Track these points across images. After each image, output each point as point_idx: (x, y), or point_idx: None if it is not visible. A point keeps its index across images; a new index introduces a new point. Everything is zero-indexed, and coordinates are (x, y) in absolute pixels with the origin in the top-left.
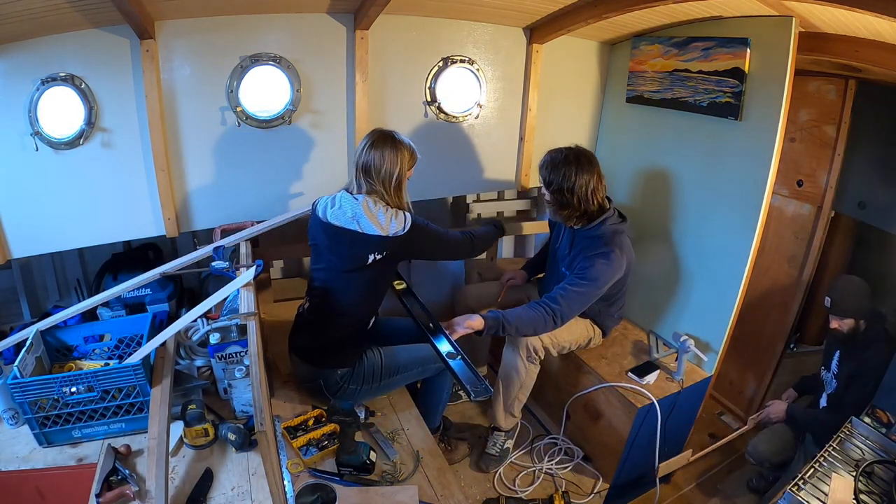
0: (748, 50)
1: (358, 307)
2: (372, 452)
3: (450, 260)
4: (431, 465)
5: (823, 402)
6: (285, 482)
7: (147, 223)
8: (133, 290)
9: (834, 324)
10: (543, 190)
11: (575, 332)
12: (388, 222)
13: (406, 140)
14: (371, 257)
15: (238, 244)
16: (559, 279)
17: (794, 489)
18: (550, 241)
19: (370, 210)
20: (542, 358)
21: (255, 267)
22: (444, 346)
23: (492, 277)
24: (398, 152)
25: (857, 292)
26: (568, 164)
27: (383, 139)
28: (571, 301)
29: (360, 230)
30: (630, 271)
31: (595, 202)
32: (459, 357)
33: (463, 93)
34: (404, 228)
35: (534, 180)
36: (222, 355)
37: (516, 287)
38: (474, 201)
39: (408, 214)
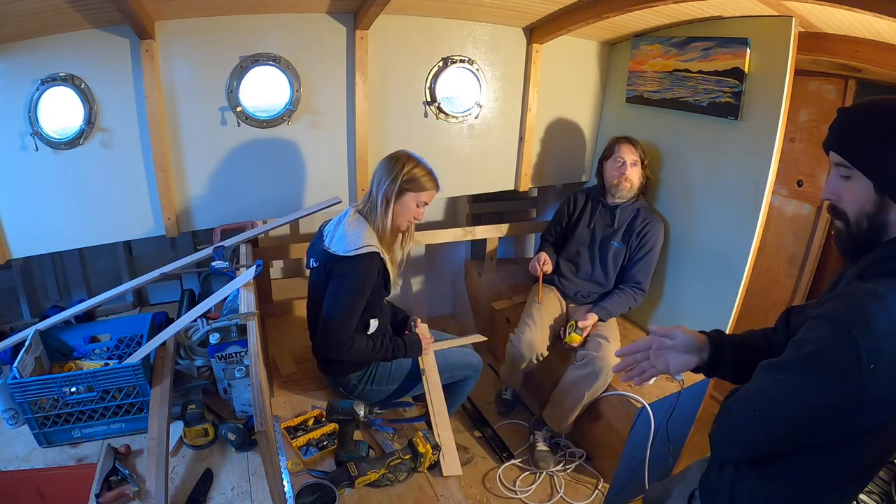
0: (748, 50)
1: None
2: (371, 451)
3: (325, 320)
4: None
5: None
6: (285, 482)
7: (147, 223)
8: None
9: None
10: (632, 161)
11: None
12: (339, 240)
13: (417, 162)
14: (311, 261)
15: (238, 244)
16: (604, 254)
17: None
18: (570, 223)
19: (340, 225)
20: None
21: (255, 267)
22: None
23: (491, 277)
24: (394, 167)
25: None
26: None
27: (393, 155)
28: (648, 271)
29: (320, 239)
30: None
31: None
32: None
33: (463, 93)
34: (349, 251)
35: (534, 180)
36: (222, 355)
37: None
38: (475, 201)
39: (371, 248)
